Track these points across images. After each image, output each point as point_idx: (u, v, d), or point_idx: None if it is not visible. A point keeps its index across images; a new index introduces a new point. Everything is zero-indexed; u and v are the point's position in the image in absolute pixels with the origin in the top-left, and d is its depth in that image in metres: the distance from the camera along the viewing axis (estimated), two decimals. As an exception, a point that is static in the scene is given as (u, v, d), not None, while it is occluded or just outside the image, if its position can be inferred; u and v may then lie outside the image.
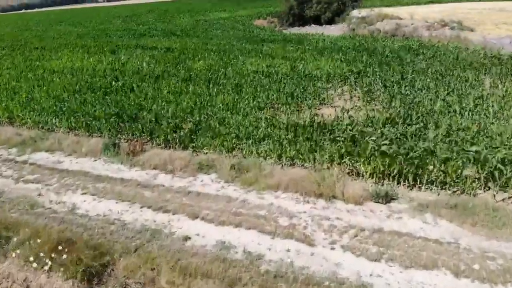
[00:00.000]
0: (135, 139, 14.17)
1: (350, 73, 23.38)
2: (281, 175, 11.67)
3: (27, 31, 56.98)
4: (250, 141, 13.67)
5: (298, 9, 61.62)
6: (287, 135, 14.18)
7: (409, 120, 14.70)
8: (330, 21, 62.02)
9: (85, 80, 22.50)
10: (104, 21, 69.16)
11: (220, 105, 17.95)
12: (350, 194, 10.10)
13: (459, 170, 10.47)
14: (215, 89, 20.29)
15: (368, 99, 18.87)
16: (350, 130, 13.10)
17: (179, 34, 45.56)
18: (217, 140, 13.33)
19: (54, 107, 17.68)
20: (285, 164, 12.52)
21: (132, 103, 17.99)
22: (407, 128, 13.78)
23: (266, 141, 13.93)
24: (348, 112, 16.57)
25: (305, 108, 18.29)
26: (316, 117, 16.33)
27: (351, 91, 20.37)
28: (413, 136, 12.90)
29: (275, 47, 33.56)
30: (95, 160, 13.09)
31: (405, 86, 19.77)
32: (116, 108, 16.88)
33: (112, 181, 12.11)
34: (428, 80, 20.43)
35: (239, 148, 13.75)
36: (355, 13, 61.62)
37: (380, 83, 20.95)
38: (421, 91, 19.07)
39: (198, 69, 24.35)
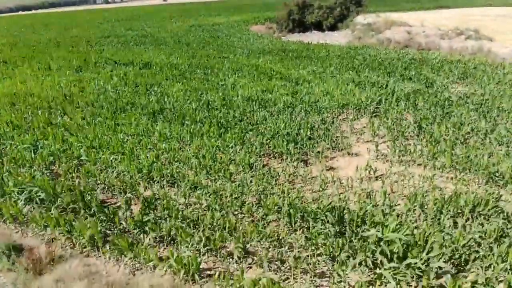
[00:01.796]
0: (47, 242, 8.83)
1: (368, 101, 18.09)
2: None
3: (4, 37, 52.01)
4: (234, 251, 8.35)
5: (298, 14, 56.47)
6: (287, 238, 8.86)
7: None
8: (333, 28, 57.07)
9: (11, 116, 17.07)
10: (92, 26, 64.50)
11: (193, 159, 12.58)
12: None
13: None
14: (191, 129, 14.92)
15: (398, 144, 13.64)
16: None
17: (168, 41, 40.74)
18: (176, 254, 7.99)
19: None
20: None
21: (63, 158, 12.65)
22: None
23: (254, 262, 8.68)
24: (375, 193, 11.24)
25: (313, 159, 13.05)
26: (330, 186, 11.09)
27: (373, 130, 15.10)
28: None
29: (273, 59, 28.40)
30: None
31: (451, 128, 14.48)
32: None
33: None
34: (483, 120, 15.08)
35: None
36: (359, 19, 56.73)
37: (411, 120, 15.70)
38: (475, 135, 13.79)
39: (175, 96, 18.95)
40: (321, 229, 8.57)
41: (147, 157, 12.69)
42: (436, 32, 44.11)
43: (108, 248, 8.67)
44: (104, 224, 9.36)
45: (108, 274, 8.20)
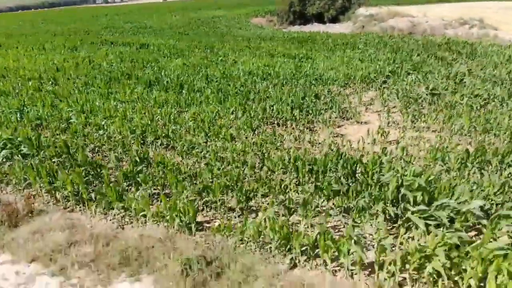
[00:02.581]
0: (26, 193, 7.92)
1: (375, 74, 17.18)
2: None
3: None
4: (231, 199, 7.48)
5: (299, 6, 55.60)
6: (297, 185, 7.97)
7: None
8: (334, 20, 56.19)
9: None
10: (91, 20, 63.69)
11: (191, 123, 11.66)
12: None
13: None
14: (189, 97, 13.98)
15: (411, 111, 12.74)
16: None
17: (167, 32, 39.76)
18: (170, 203, 7.07)
19: None
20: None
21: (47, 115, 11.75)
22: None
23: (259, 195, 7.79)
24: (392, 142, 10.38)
25: (320, 125, 12.15)
26: (341, 147, 10.18)
27: (383, 101, 14.18)
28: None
29: (275, 44, 27.50)
30: None
31: (466, 95, 13.59)
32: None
33: None
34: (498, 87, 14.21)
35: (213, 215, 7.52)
36: (361, 11, 55.82)
37: (423, 89, 14.79)
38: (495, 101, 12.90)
39: (172, 69, 18.02)
40: (332, 177, 7.66)
41: (141, 119, 11.76)
42: (440, 22, 43.22)
43: (94, 201, 7.73)
44: (90, 179, 8.41)
45: (93, 227, 7.26)
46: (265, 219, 6.64)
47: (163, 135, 10.86)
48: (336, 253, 5.93)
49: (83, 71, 18.53)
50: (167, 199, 7.19)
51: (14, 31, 48.92)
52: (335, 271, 5.98)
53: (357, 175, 8.04)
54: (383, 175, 7.49)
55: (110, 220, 7.53)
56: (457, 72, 16.55)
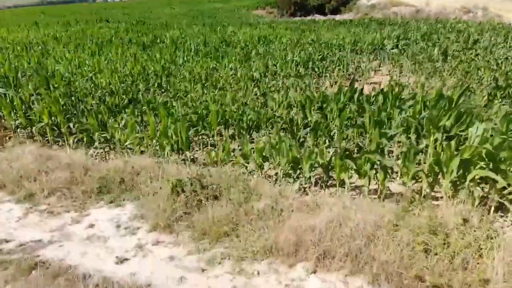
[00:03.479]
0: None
1: (384, 41, 16.27)
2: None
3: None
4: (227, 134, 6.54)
5: (300, -4, 54.71)
6: (304, 120, 7.02)
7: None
8: (335, 11, 55.29)
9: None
10: (89, 13, 62.76)
11: (187, 74, 10.73)
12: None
13: None
14: (185, 56, 13.02)
15: (425, 69, 11.82)
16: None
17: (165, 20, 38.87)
18: (159, 131, 6.13)
19: None
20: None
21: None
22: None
23: (263, 132, 6.85)
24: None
25: (327, 82, 11.21)
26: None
27: (394, 62, 13.27)
28: None
29: (276, 25, 26.66)
30: None
31: (481, 53, 12.69)
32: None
33: None
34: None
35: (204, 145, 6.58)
36: (363, 1, 55.00)
37: (436, 52, 13.86)
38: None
39: (168, 36, 17.07)
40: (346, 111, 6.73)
41: (132, 69, 10.82)
42: (443, 10, 42.51)
43: (73, 134, 6.78)
44: (70, 111, 7.40)
45: (71, 158, 6.28)
46: (269, 143, 5.68)
47: (156, 84, 9.91)
48: (355, 175, 5.00)
49: (75, 39, 17.58)
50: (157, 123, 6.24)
51: (7, 21, 47.97)
52: (353, 197, 5.04)
53: (372, 107, 7.09)
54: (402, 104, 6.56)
55: (91, 154, 6.58)
56: (470, 35, 15.66)
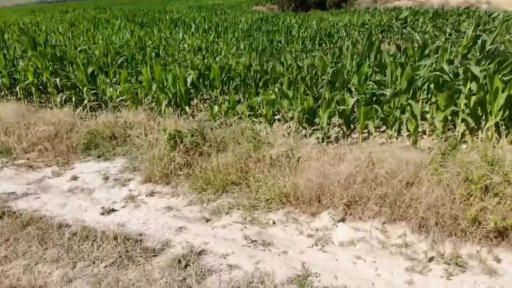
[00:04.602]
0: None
1: (391, 22, 15.65)
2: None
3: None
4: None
5: (301, -8, 54.15)
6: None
7: None
8: (337, 7, 54.77)
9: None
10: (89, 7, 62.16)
11: (186, 45, 10.04)
12: None
13: None
14: (185, 32, 12.37)
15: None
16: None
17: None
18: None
19: None
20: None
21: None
22: None
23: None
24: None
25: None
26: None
27: (404, 41, 12.62)
28: None
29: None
30: None
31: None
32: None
33: None
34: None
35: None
36: (365, -3, 54.53)
37: (449, 29, 13.18)
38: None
39: (168, 18, 16.41)
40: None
41: (129, 41, 10.13)
42: (445, 4, 41.94)
43: (61, 91, 6.08)
44: (57, 69, 6.68)
45: (57, 115, 5.57)
46: (280, 91, 4.99)
47: (153, 54, 9.21)
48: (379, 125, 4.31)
49: (70, 19, 16.90)
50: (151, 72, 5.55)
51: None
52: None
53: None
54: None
55: (79, 113, 5.87)
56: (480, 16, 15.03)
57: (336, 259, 2.75)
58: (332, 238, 3.00)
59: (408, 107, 4.28)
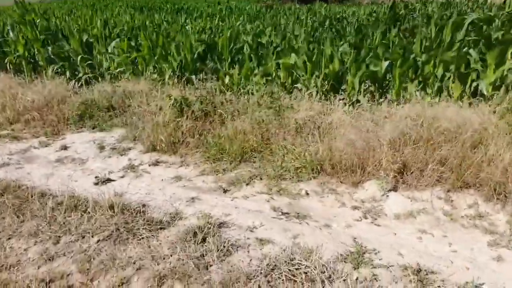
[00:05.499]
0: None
1: (401, 11, 14.96)
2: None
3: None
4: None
5: (303, -12, 53.63)
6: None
7: None
8: (339, 1, 54.20)
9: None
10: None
11: (189, 27, 9.41)
12: None
13: None
14: (188, 18, 11.78)
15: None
16: None
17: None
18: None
19: None
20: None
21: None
22: None
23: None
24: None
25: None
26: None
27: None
28: None
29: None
30: None
31: None
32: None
33: None
34: None
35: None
36: (368, -7, 53.96)
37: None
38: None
39: (170, 6, 15.84)
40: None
41: (129, 22, 9.53)
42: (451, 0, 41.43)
43: (53, 63, 5.47)
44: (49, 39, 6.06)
45: (48, 87, 4.96)
46: (304, 52, 4.38)
47: (154, 34, 8.60)
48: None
49: (69, 4, 16.34)
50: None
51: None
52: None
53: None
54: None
55: (74, 85, 5.26)
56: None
57: (395, 234, 2.15)
58: (384, 210, 2.39)
59: (453, 66, 3.68)
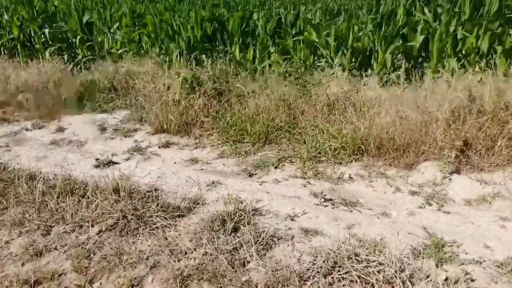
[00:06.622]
0: None
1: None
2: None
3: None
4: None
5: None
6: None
7: None
8: None
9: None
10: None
11: (193, 14, 8.93)
12: None
13: None
14: (191, 7, 11.21)
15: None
16: None
17: None
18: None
19: None
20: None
21: None
22: None
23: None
24: None
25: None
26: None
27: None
28: None
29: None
30: None
31: None
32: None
33: None
34: None
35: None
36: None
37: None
38: None
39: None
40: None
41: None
42: None
43: (51, 44, 5.03)
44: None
45: (43, 70, 4.53)
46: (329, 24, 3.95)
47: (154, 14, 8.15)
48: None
49: None
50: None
51: None
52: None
53: None
54: None
55: (72, 68, 4.83)
56: None
57: (472, 223, 1.72)
58: (449, 195, 1.96)
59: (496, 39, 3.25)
